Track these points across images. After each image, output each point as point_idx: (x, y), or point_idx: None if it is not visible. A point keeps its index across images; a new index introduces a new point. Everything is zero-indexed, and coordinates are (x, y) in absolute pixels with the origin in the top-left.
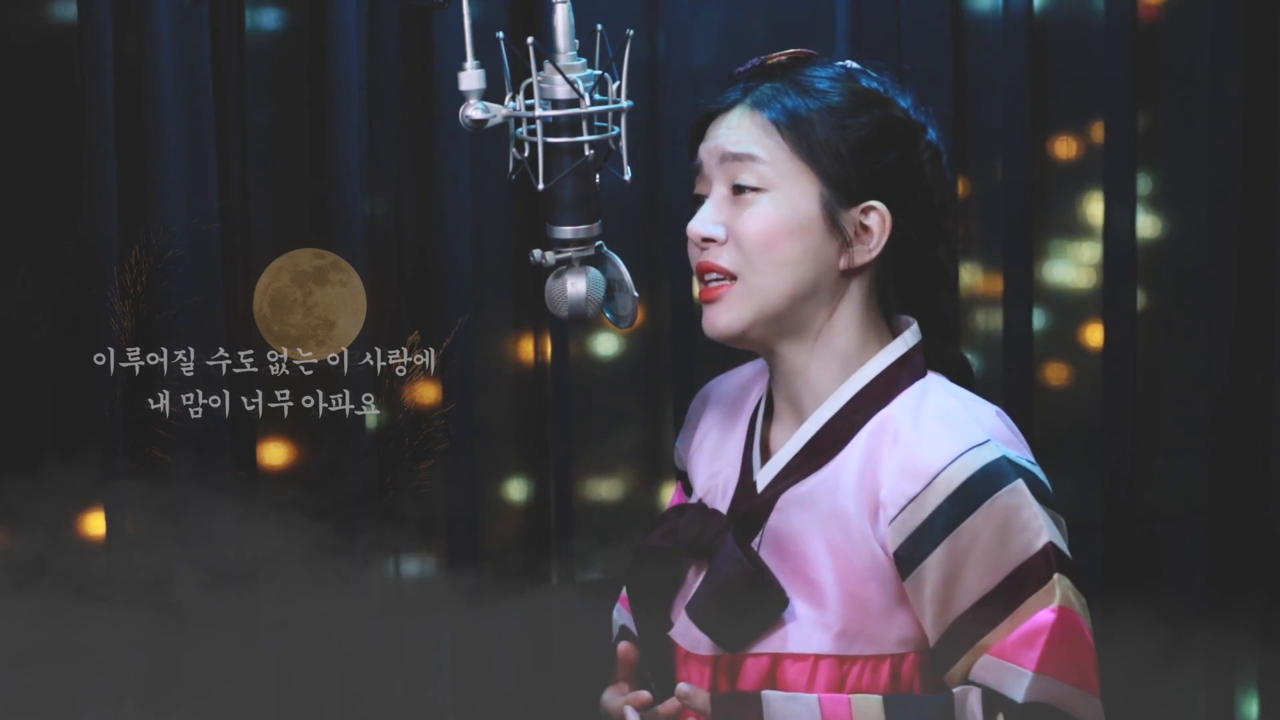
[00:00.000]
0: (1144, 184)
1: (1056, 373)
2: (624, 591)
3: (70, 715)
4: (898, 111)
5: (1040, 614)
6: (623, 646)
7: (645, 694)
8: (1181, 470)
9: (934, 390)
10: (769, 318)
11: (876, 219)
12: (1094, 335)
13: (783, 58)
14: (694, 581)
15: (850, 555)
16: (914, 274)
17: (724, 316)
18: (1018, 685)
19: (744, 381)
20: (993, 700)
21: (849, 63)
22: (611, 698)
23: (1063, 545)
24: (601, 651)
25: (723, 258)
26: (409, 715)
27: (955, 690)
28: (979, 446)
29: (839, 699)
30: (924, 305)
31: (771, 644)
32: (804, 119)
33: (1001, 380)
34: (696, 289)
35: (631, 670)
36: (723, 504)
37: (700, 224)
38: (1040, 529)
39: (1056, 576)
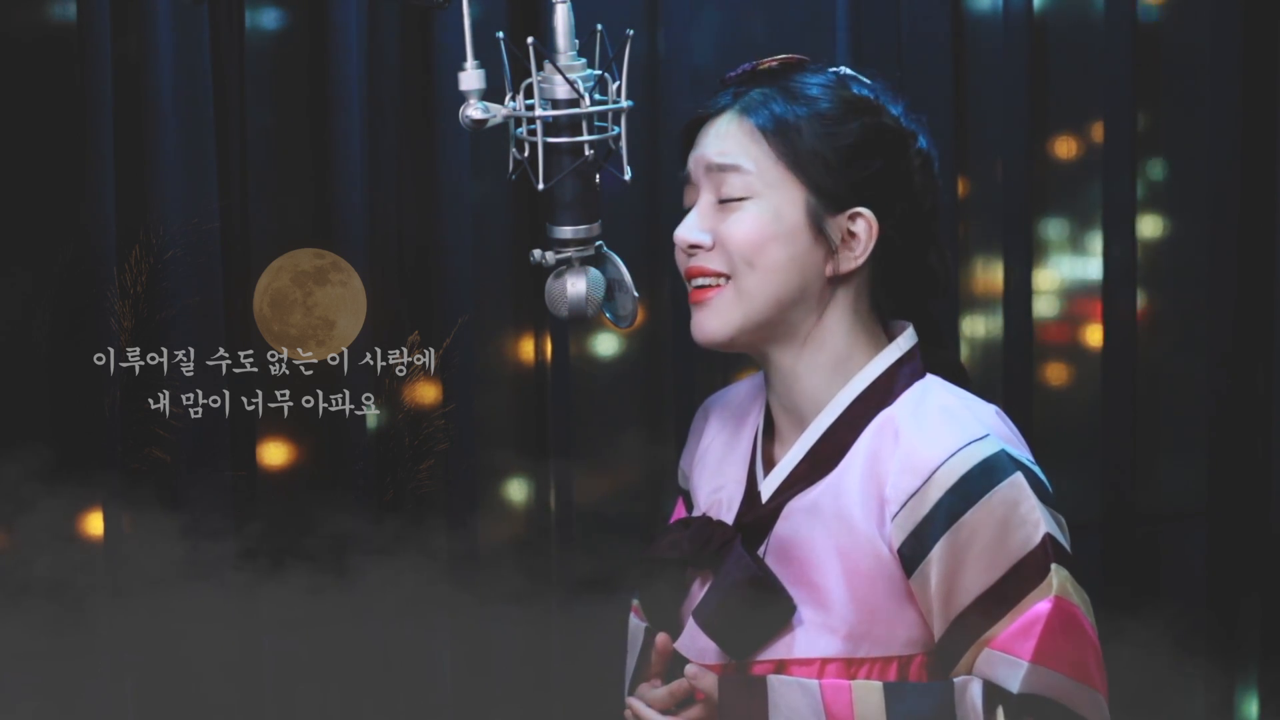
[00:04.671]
0: (1144, 184)
1: (1056, 373)
2: (635, 601)
3: (70, 715)
4: (887, 119)
5: (1037, 605)
6: (661, 637)
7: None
8: (1181, 471)
9: (934, 389)
10: (756, 324)
11: (863, 226)
12: (1094, 335)
13: (774, 63)
14: (699, 593)
15: (857, 558)
16: (906, 280)
17: (712, 323)
18: (1014, 676)
19: (744, 397)
20: (993, 693)
21: (841, 69)
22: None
23: (1062, 540)
24: (600, 652)
25: (713, 261)
26: (409, 715)
27: (956, 680)
28: (978, 441)
29: (840, 684)
30: (916, 310)
31: (778, 650)
32: (791, 126)
33: (1001, 380)
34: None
35: (664, 663)
36: (727, 518)
37: (687, 230)
38: (1039, 522)
39: (1054, 568)
